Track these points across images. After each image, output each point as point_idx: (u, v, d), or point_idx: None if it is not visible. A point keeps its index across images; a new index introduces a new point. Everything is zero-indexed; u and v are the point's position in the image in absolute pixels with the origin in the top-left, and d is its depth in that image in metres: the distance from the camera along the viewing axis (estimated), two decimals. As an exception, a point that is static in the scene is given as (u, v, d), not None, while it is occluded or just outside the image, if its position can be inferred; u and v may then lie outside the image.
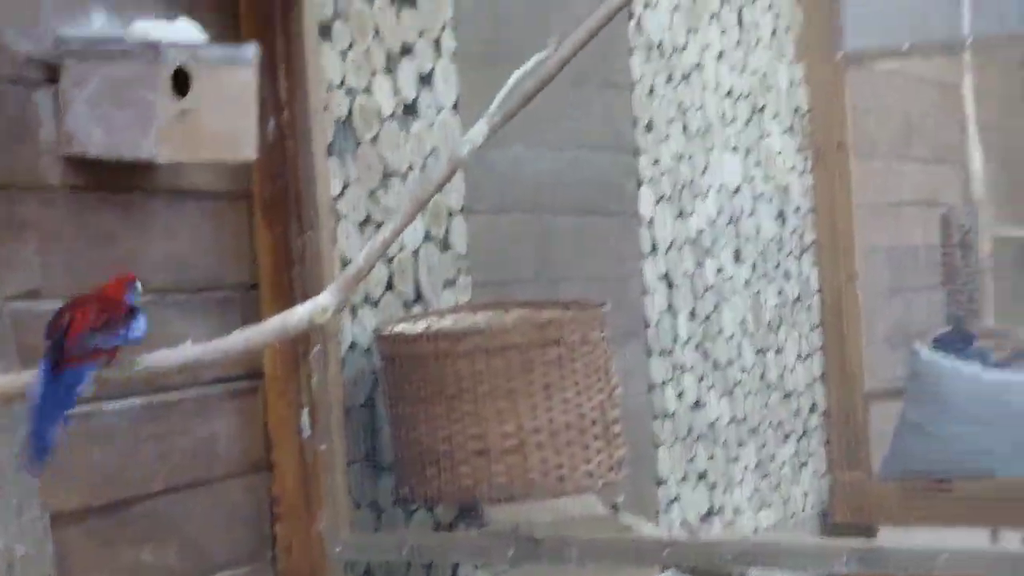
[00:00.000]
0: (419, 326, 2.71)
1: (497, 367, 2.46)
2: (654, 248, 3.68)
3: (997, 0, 4.87)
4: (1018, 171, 5.75)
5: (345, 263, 2.59)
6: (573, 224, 3.39)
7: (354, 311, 2.64)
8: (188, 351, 1.74)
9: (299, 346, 2.40)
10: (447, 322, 2.76)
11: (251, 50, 2.15)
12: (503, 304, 2.83)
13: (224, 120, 2.11)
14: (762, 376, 4.17)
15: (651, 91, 3.67)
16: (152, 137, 1.98)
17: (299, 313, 1.88)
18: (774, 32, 4.29)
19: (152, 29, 2.04)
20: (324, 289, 2.31)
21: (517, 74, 2.09)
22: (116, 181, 2.12)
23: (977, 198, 5.32)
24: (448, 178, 2.03)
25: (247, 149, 2.17)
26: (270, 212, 2.40)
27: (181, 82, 2.04)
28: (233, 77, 2.12)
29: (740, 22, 4.10)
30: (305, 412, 2.41)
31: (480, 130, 2.02)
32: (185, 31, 2.09)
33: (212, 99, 2.07)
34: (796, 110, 4.41)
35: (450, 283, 2.91)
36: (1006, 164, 5.69)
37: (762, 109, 4.21)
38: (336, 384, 2.47)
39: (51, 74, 2.02)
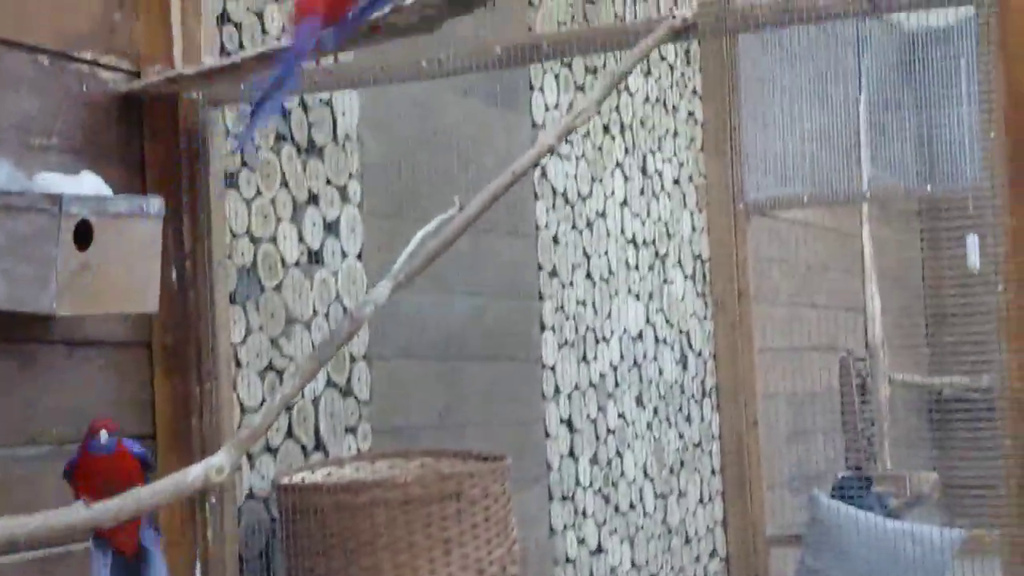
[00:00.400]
0: (318, 475, 2.69)
1: (397, 520, 2.45)
2: (557, 392, 3.70)
3: (895, 152, 5.03)
4: (914, 317, 5.89)
5: (245, 412, 2.58)
6: (478, 369, 3.40)
7: (252, 459, 2.62)
8: (80, 512, 1.71)
9: (194, 497, 2.37)
10: (347, 471, 2.75)
11: (156, 203, 2.16)
12: (405, 453, 2.83)
13: (126, 273, 2.10)
14: (663, 521, 4.19)
15: (556, 238, 3.72)
16: (52, 291, 1.97)
17: (194, 472, 1.86)
18: (677, 181, 4.38)
19: (56, 182, 2.04)
20: (222, 439, 2.29)
21: (421, 233, 2.12)
22: (15, 332, 2.10)
23: (875, 344, 5.42)
24: (349, 338, 2.04)
25: (149, 302, 2.16)
26: (170, 362, 2.39)
27: (84, 235, 2.03)
28: (137, 230, 2.12)
29: (644, 171, 4.18)
30: (198, 565, 2.37)
31: (383, 289, 2.04)
32: (90, 184, 2.09)
33: (115, 252, 2.07)
34: (698, 257, 4.49)
35: (351, 430, 2.90)
36: (904, 310, 5.82)
37: (665, 256, 4.29)
38: (232, 536, 2.44)
39: (-48, 225, 2.01)
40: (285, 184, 2.75)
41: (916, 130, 5.06)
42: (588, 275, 3.87)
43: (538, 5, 3.58)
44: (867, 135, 4.87)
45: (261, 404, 2.62)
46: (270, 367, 2.68)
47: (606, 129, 3.98)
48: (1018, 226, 2.05)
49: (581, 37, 2.16)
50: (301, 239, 2.79)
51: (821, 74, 4.86)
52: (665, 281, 4.28)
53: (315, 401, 2.80)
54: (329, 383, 2.84)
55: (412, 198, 3.11)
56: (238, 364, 2.59)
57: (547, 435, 3.66)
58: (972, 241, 5.05)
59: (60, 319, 2.12)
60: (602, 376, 3.91)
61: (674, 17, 1.98)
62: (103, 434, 2.00)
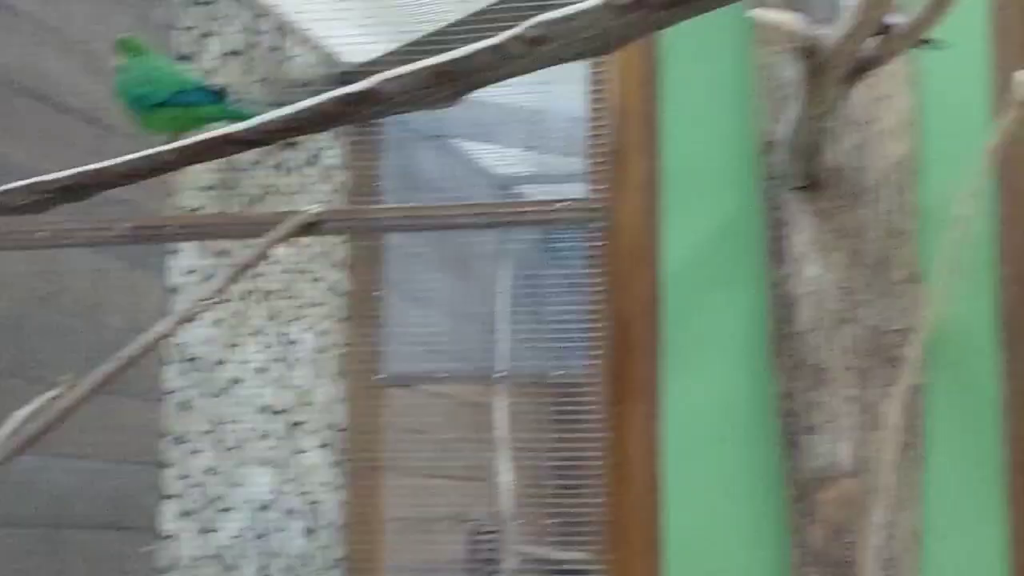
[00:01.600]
0: None
1: None
2: (174, 565, 3.57)
3: (531, 331, 5.17)
4: (544, 490, 6.01)
5: None
6: (87, 539, 3.24)
7: None
8: None
9: None
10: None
11: None
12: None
13: None
14: None
15: (185, 404, 3.62)
16: None
17: None
18: (315, 350, 4.36)
19: None
20: None
21: (21, 414, 2.02)
22: None
23: (504, 516, 5.49)
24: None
25: None
26: None
27: None
28: None
29: (283, 339, 4.15)
30: None
31: (-29, 474, 1.92)
32: None
33: None
34: (333, 427, 4.46)
35: (-61, 607, 2.70)
36: (535, 482, 5.93)
37: (299, 425, 4.24)
38: None
39: None
40: None
41: (552, 310, 5.23)
42: (218, 443, 3.78)
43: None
44: (504, 314, 4.99)
45: None
46: None
47: (246, 295, 3.93)
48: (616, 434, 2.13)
49: (210, 224, 2.13)
50: (-102, 400, 2.61)
51: (466, 251, 4.97)
52: (297, 451, 4.22)
53: (-102, 576, 2.59)
54: (-83, 556, 2.65)
55: (31, 359, 2.96)
56: None
57: (161, 609, 3.51)
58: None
59: None
60: (224, 548, 3.80)
61: (303, 213, 1.98)
62: None
